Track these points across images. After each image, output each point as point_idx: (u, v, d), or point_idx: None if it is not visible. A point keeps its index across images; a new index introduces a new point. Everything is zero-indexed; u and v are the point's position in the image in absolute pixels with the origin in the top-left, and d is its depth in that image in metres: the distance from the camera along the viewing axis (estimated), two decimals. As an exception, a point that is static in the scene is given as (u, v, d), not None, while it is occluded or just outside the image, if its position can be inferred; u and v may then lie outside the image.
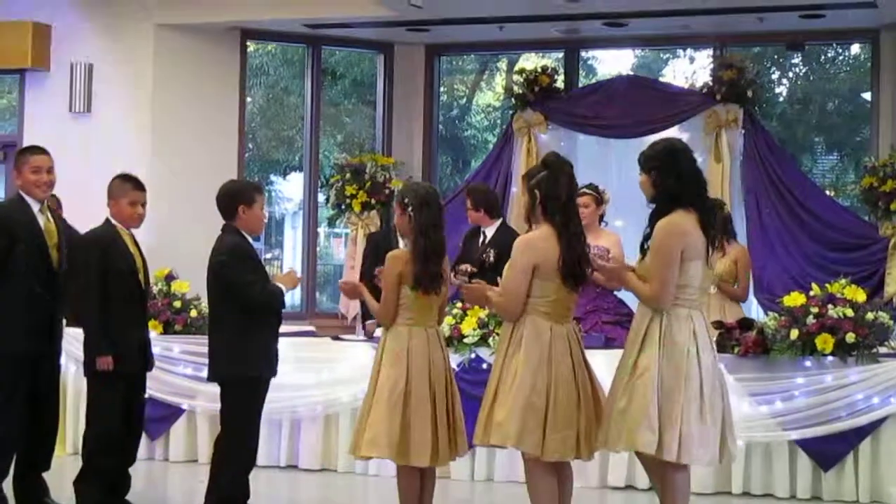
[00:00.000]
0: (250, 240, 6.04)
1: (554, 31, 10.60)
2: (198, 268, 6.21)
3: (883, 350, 7.05)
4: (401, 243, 6.71)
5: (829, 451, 6.98)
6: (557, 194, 5.26)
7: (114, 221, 6.31)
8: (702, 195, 5.23)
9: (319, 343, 8.14)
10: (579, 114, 10.57)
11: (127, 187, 6.33)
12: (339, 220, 11.03)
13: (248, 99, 11.48)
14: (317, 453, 7.88)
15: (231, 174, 9.78)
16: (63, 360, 6.67)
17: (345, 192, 10.65)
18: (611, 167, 10.27)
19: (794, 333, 6.94)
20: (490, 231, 8.23)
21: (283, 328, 6.24)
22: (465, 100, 13.47)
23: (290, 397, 7.69)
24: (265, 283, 5.95)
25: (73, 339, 7.18)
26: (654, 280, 5.09)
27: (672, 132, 9.85)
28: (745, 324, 7.35)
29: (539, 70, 10.73)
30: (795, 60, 11.70)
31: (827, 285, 7.10)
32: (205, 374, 6.30)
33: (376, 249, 7.84)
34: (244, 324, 5.89)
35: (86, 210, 6.85)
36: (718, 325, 7.08)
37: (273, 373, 6.09)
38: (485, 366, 7.29)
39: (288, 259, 13.93)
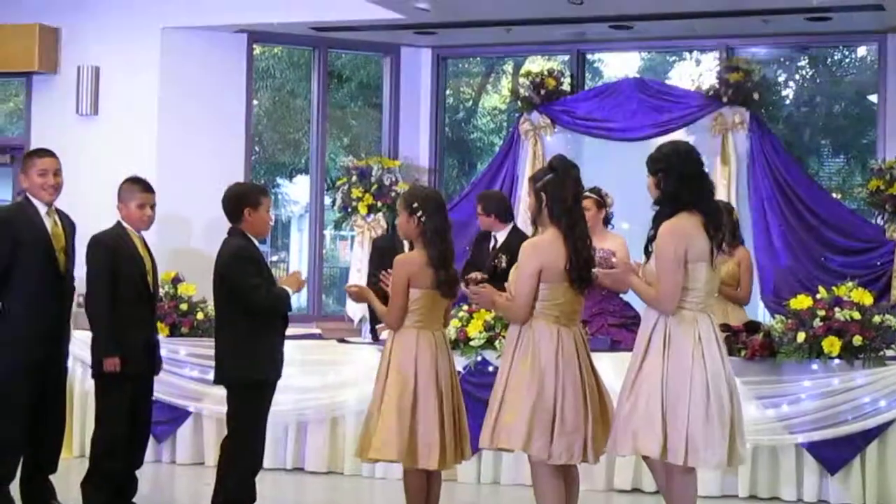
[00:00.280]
0: (256, 243, 6.05)
1: (560, 34, 10.59)
2: (204, 270, 6.22)
3: (890, 353, 7.04)
4: (405, 247, 6.70)
5: (835, 454, 6.98)
6: (564, 197, 5.26)
7: (124, 224, 6.34)
8: (707, 197, 5.23)
9: (325, 346, 8.15)
10: (585, 116, 10.54)
11: (135, 190, 6.36)
12: (345, 223, 11.02)
13: (255, 102, 11.48)
14: (323, 456, 7.88)
15: (237, 177, 9.75)
16: (70, 362, 6.66)
17: (351, 195, 10.64)
18: (617, 170, 10.24)
19: (801, 336, 6.94)
20: (501, 236, 8.20)
21: (289, 331, 6.24)
22: (471, 102, 13.43)
23: (296, 400, 7.70)
24: (270, 287, 5.95)
25: (79, 342, 7.18)
26: (659, 283, 5.09)
27: (678, 135, 9.81)
28: (752, 327, 7.34)
29: (545, 73, 10.71)
30: (802, 63, 11.68)
31: (834, 288, 7.10)
32: (211, 376, 6.31)
33: (381, 255, 7.84)
34: (250, 327, 5.89)
35: (93, 213, 6.85)
36: (725, 328, 7.07)
37: (279, 375, 6.10)
38: (490, 369, 7.29)
39: (294, 262, 13.90)
